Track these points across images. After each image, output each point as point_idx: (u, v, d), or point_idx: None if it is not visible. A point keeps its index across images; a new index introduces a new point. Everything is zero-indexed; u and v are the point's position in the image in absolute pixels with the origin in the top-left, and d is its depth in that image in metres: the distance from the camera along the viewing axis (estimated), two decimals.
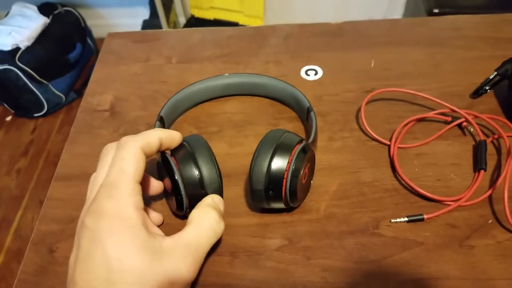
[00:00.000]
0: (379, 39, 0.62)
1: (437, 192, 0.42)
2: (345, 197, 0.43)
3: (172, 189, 0.37)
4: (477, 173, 0.44)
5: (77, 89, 1.83)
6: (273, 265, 0.38)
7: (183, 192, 0.36)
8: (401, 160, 0.46)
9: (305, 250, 0.39)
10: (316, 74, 0.56)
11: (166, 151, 0.37)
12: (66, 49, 1.76)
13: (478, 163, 0.44)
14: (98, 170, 0.33)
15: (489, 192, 0.42)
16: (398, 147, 0.47)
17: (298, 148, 0.37)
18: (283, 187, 0.37)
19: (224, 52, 0.61)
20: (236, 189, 0.44)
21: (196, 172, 0.36)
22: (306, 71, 0.57)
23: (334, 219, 0.41)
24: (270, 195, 0.37)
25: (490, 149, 0.47)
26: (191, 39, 0.63)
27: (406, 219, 0.41)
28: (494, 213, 0.41)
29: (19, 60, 1.56)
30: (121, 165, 0.30)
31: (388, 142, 0.48)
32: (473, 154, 0.46)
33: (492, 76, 0.51)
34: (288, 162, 0.36)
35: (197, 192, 0.36)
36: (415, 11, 1.82)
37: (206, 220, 0.34)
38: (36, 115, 1.75)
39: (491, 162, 0.45)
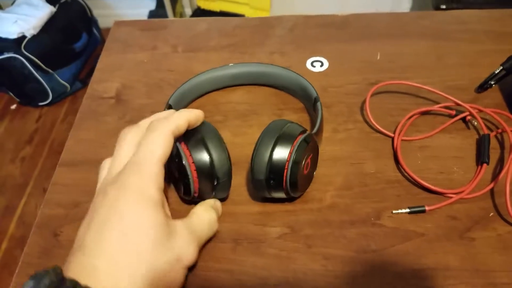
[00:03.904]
0: (384, 31, 0.62)
1: (439, 184, 0.43)
2: (347, 188, 0.43)
3: (180, 173, 0.37)
4: (479, 167, 0.44)
5: (82, 79, 1.84)
6: (275, 252, 0.39)
7: (190, 177, 0.36)
8: (404, 152, 0.46)
9: (306, 238, 0.40)
10: (322, 65, 0.56)
11: None
12: (72, 38, 1.77)
13: (481, 157, 0.44)
14: (116, 154, 0.34)
15: (491, 185, 0.42)
16: (402, 140, 0.47)
17: (300, 138, 0.37)
18: (284, 177, 0.37)
19: (230, 42, 0.61)
20: (239, 178, 0.44)
21: (207, 157, 0.36)
22: (311, 63, 0.57)
23: (336, 209, 0.42)
24: (271, 185, 0.38)
25: (494, 143, 0.47)
26: (197, 28, 0.64)
27: (407, 210, 0.41)
28: (495, 206, 0.41)
29: (24, 48, 1.57)
30: (151, 146, 0.32)
31: (392, 134, 0.48)
32: (476, 147, 0.47)
33: (498, 71, 0.51)
34: (289, 153, 0.36)
35: (207, 177, 0.37)
36: (422, 7, 1.82)
37: (207, 215, 0.37)
38: (40, 103, 1.76)
39: (494, 156, 0.45)
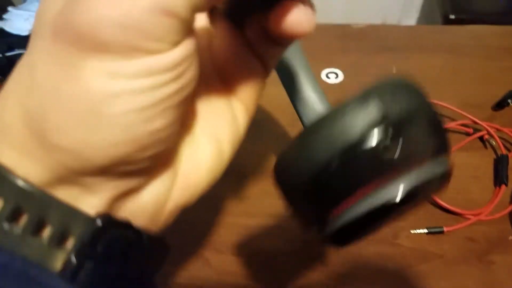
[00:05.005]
0: (400, 45, 0.61)
1: (457, 204, 0.42)
2: None
3: None
4: (498, 188, 0.43)
5: None
6: (287, 267, 0.38)
7: None
8: None
9: (322, 256, 0.39)
10: (336, 77, 0.56)
11: None
12: None
13: (499, 178, 0.43)
14: None
15: (510, 207, 0.42)
16: None
17: None
18: None
19: None
20: (255, 189, 0.44)
21: None
22: (326, 74, 0.56)
23: None
24: None
25: None
26: None
27: (425, 230, 0.40)
28: None
29: None
30: None
31: None
32: (494, 167, 0.46)
33: None
34: None
35: None
36: (430, 16, 1.81)
37: None
38: None
39: None
